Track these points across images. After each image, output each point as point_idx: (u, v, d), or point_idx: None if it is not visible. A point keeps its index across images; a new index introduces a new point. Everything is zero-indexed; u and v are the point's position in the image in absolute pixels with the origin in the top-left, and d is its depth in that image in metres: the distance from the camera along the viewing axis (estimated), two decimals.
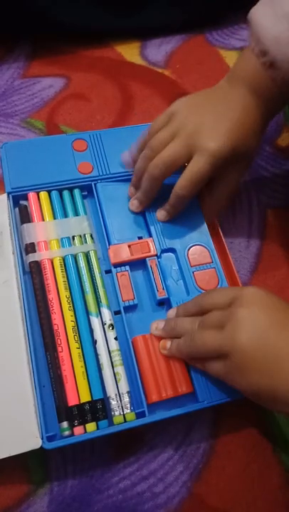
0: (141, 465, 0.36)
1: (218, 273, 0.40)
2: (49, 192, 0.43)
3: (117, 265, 0.39)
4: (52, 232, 0.41)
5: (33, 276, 0.39)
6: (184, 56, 0.61)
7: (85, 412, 0.34)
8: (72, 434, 0.33)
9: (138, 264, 0.40)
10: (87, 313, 0.38)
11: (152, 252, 0.40)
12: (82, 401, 0.34)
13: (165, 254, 0.41)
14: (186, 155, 0.37)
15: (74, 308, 0.38)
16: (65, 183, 0.43)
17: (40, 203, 0.42)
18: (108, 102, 0.55)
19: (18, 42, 0.61)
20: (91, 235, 0.42)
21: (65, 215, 0.42)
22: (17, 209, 0.42)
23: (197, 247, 0.41)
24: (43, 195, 0.42)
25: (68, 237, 0.41)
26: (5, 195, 0.42)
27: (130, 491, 0.35)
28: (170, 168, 0.37)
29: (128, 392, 0.35)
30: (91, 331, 0.37)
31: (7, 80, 0.57)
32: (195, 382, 0.35)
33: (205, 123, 0.37)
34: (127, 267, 0.39)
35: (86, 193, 0.44)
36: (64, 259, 0.40)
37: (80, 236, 0.41)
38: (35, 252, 0.40)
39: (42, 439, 0.32)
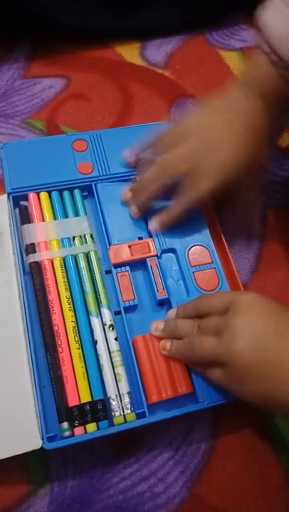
0: (141, 465, 0.36)
1: (219, 273, 0.40)
2: (49, 192, 0.43)
3: (117, 265, 0.39)
4: (52, 233, 0.41)
5: (34, 276, 0.39)
6: (184, 57, 0.61)
7: (86, 412, 0.34)
8: (72, 435, 0.33)
9: (138, 264, 0.40)
10: (88, 313, 0.38)
11: (152, 253, 0.40)
12: (82, 401, 0.34)
13: (165, 254, 0.41)
14: (195, 171, 0.38)
15: (74, 308, 0.38)
16: (66, 183, 0.43)
17: (40, 203, 0.42)
18: (108, 103, 0.55)
19: (18, 42, 0.61)
20: (91, 236, 0.42)
21: (66, 216, 0.42)
22: (17, 209, 0.42)
23: (197, 247, 0.41)
24: (44, 195, 0.42)
25: (68, 238, 0.41)
26: (5, 196, 0.42)
27: (130, 491, 0.35)
28: (180, 173, 0.38)
29: (128, 393, 0.35)
30: (91, 331, 0.37)
31: (7, 81, 0.57)
32: (195, 382, 0.35)
33: (219, 146, 0.37)
34: (127, 268, 0.39)
35: (86, 193, 0.44)
36: (64, 259, 0.40)
37: (81, 236, 0.41)
38: (35, 252, 0.40)
39: (42, 439, 0.32)
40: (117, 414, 0.34)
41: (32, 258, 0.39)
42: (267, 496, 0.35)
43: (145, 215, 0.42)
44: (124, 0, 0.58)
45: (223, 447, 0.36)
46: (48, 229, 0.41)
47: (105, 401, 0.35)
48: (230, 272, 0.41)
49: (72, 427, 0.33)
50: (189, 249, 0.40)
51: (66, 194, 0.43)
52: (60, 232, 0.41)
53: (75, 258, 0.40)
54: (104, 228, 0.41)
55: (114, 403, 0.34)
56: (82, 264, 0.40)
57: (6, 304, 0.38)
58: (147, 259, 0.40)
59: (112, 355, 0.36)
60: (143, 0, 0.58)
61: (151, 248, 0.40)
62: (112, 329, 0.37)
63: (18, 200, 0.43)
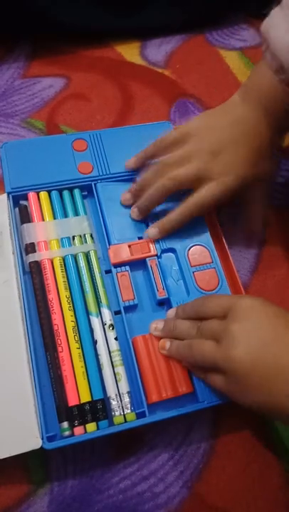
0: (141, 465, 0.36)
1: (218, 273, 0.40)
2: (49, 192, 0.43)
3: (117, 265, 0.39)
4: (52, 232, 0.41)
5: (33, 276, 0.39)
6: (184, 56, 0.61)
7: (85, 412, 0.34)
8: (72, 434, 0.33)
9: (138, 264, 0.40)
10: (88, 313, 0.38)
11: (152, 252, 0.40)
12: (82, 401, 0.34)
13: (165, 254, 0.41)
14: (201, 177, 0.37)
15: (74, 308, 0.38)
16: (65, 183, 0.43)
17: (40, 202, 0.42)
18: (108, 102, 0.55)
19: (18, 42, 0.61)
20: (91, 235, 0.42)
21: (65, 215, 0.42)
22: (17, 209, 0.42)
23: (197, 247, 0.41)
24: (43, 195, 0.42)
25: (68, 237, 0.41)
26: (5, 195, 0.42)
27: (130, 491, 0.35)
28: (181, 186, 0.38)
29: (128, 393, 0.35)
30: (91, 331, 0.37)
31: (7, 80, 0.57)
32: (195, 382, 0.35)
33: (223, 151, 0.37)
34: (127, 267, 0.39)
35: (86, 193, 0.44)
36: (64, 259, 0.40)
37: (80, 236, 0.41)
38: (35, 252, 0.40)
39: (42, 439, 0.32)
40: (117, 413, 0.34)
41: (32, 257, 0.39)
42: (267, 495, 0.35)
43: (146, 216, 0.42)
44: (124, 0, 0.58)
45: (223, 447, 0.36)
46: (48, 228, 0.41)
47: (105, 401, 0.35)
48: (230, 271, 0.41)
49: (72, 426, 0.33)
50: (189, 249, 0.40)
51: (66, 194, 0.43)
52: (59, 232, 0.41)
53: (75, 258, 0.40)
54: (104, 228, 0.41)
55: (114, 403, 0.34)
56: (82, 263, 0.40)
57: (5, 303, 0.38)
58: (147, 259, 0.40)
59: (111, 354, 0.36)
60: (143, 0, 0.58)
61: (151, 248, 0.40)
62: (112, 329, 0.37)
63: (17, 199, 0.43)
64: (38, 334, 0.37)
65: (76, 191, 0.43)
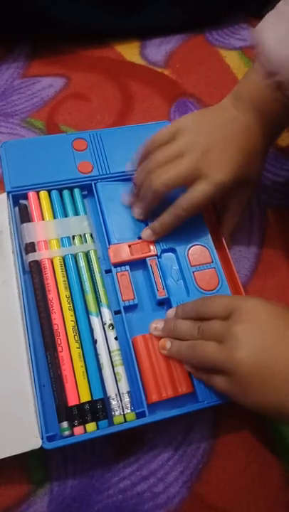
0: (141, 465, 0.35)
1: (218, 273, 0.40)
2: (49, 191, 0.43)
3: (117, 265, 0.39)
4: (52, 232, 0.41)
5: (33, 275, 0.39)
6: (184, 56, 0.61)
7: (85, 412, 0.34)
8: (72, 434, 0.33)
9: (138, 263, 0.40)
10: (87, 312, 0.38)
11: (152, 252, 0.40)
12: (82, 401, 0.34)
13: (165, 254, 0.41)
14: (192, 176, 0.37)
15: (74, 307, 0.38)
16: (65, 182, 0.43)
17: (40, 202, 0.42)
18: (108, 102, 0.55)
19: (18, 42, 0.61)
20: (91, 235, 0.42)
21: (65, 215, 0.42)
22: (17, 208, 0.42)
23: (197, 246, 0.41)
24: (43, 194, 0.42)
25: (68, 237, 0.41)
26: (5, 195, 0.42)
27: (130, 491, 0.35)
28: (174, 185, 0.37)
29: (128, 392, 0.35)
30: (91, 330, 0.37)
31: (7, 80, 0.57)
32: (195, 382, 0.35)
33: (213, 150, 0.37)
34: (127, 267, 0.39)
35: (86, 192, 0.44)
36: (64, 258, 0.40)
37: (80, 236, 0.41)
38: (35, 251, 0.40)
39: (42, 439, 0.32)
40: (116, 413, 0.34)
41: (32, 257, 0.39)
42: (267, 495, 0.35)
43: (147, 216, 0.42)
44: (124, 0, 0.58)
45: (223, 447, 0.36)
46: (48, 228, 0.41)
47: (105, 400, 0.35)
48: (230, 271, 0.41)
49: (71, 426, 0.33)
50: (189, 249, 0.40)
51: (66, 193, 0.43)
52: (59, 231, 0.41)
53: (75, 257, 0.40)
54: (104, 227, 0.41)
55: (114, 402, 0.34)
56: (82, 263, 0.40)
57: (5, 303, 0.38)
58: (147, 259, 0.40)
59: (111, 354, 0.36)
60: (143, 0, 0.58)
61: (151, 248, 0.40)
62: (112, 328, 0.37)
63: (17, 198, 0.43)
64: (38, 334, 0.37)
65: (76, 191, 0.43)
